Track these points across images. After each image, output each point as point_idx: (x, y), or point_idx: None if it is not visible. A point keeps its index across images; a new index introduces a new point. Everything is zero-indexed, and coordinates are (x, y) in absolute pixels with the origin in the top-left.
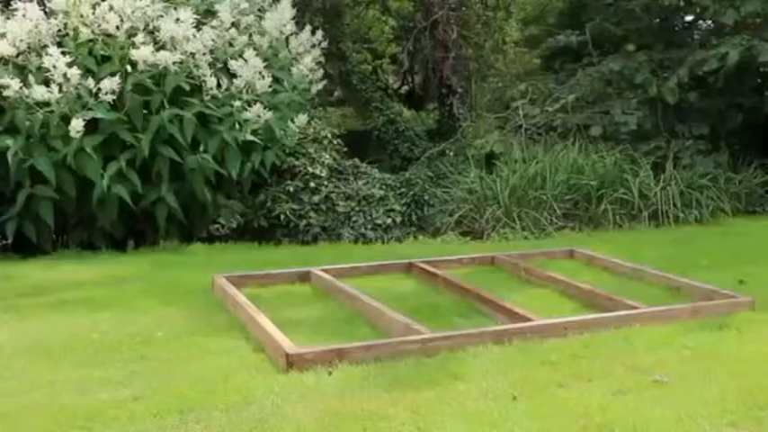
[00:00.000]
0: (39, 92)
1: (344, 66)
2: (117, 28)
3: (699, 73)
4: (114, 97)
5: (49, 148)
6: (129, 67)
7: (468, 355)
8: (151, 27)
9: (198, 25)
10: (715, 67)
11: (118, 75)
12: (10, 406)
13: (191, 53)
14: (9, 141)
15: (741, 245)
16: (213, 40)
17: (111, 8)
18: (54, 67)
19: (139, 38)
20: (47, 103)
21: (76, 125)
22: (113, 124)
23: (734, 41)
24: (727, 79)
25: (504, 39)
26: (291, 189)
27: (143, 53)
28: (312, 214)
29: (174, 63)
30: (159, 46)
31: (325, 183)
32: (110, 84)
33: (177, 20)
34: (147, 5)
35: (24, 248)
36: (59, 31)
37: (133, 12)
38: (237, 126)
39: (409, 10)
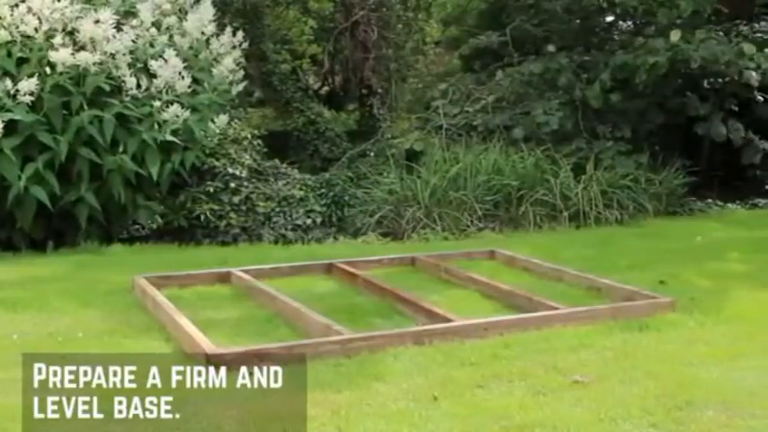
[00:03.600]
0: None
1: (265, 66)
2: (36, 30)
3: (621, 77)
4: (33, 99)
5: None
6: (47, 69)
7: (388, 356)
8: (70, 28)
9: (118, 26)
10: (644, 78)
11: (36, 76)
12: None
13: (111, 54)
14: None
15: (662, 246)
16: (134, 40)
17: (29, 10)
18: None
19: (58, 39)
20: None
21: None
22: (32, 126)
23: (657, 45)
24: (652, 82)
25: (424, 39)
26: (211, 190)
27: (62, 55)
28: (232, 215)
29: (94, 64)
30: (79, 47)
31: (246, 183)
32: (28, 85)
33: (97, 21)
34: (66, 6)
35: None
36: None
37: (51, 13)
38: (157, 126)
39: (329, 10)
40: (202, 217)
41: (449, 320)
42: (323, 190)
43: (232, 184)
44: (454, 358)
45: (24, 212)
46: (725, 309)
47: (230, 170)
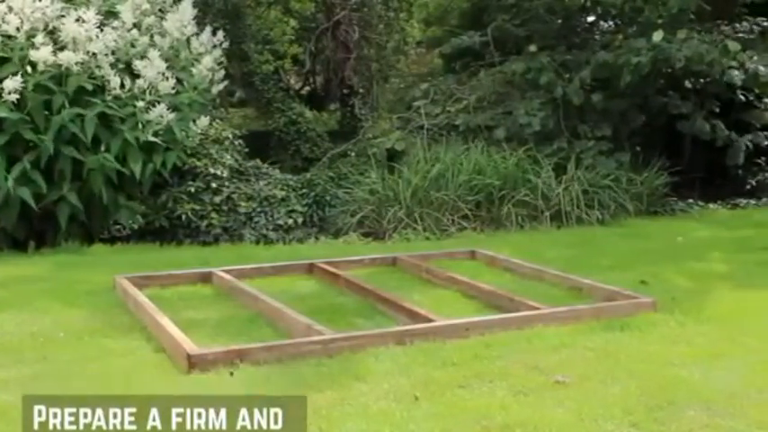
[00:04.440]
0: None
1: (246, 66)
2: (17, 29)
3: (601, 77)
4: (17, 97)
5: None
6: (29, 68)
7: (369, 356)
8: (51, 27)
9: (100, 26)
10: (629, 80)
11: (19, 75)
12: None
13: (93, 53)
14: None
15: (643, 245)
16: (115, 40)
17: (10, 9)
18: None
19: (39, 39)
20: None
21: None
22: (17, 124)
23: (638, 45)
24: (634, 82)
25: (405, 39)
26: (193, 190)
27: (43, 54)
28: (214, 215)
29: (76, 63)
30: (61, 46)
31: (227, 183)
32: (12, 84)
33: (80, 20)
34: (47, 6)
35: None
36: None
37: (32, 12)
38: (140, 126)
39: (311, 11)
40: (184, 217)
41: (430, 320)
42: (304, 190)
43: (213, 185)
44: (435, 358)
45: (9, 213)
46: (706, 309)
47: (211, 170)
